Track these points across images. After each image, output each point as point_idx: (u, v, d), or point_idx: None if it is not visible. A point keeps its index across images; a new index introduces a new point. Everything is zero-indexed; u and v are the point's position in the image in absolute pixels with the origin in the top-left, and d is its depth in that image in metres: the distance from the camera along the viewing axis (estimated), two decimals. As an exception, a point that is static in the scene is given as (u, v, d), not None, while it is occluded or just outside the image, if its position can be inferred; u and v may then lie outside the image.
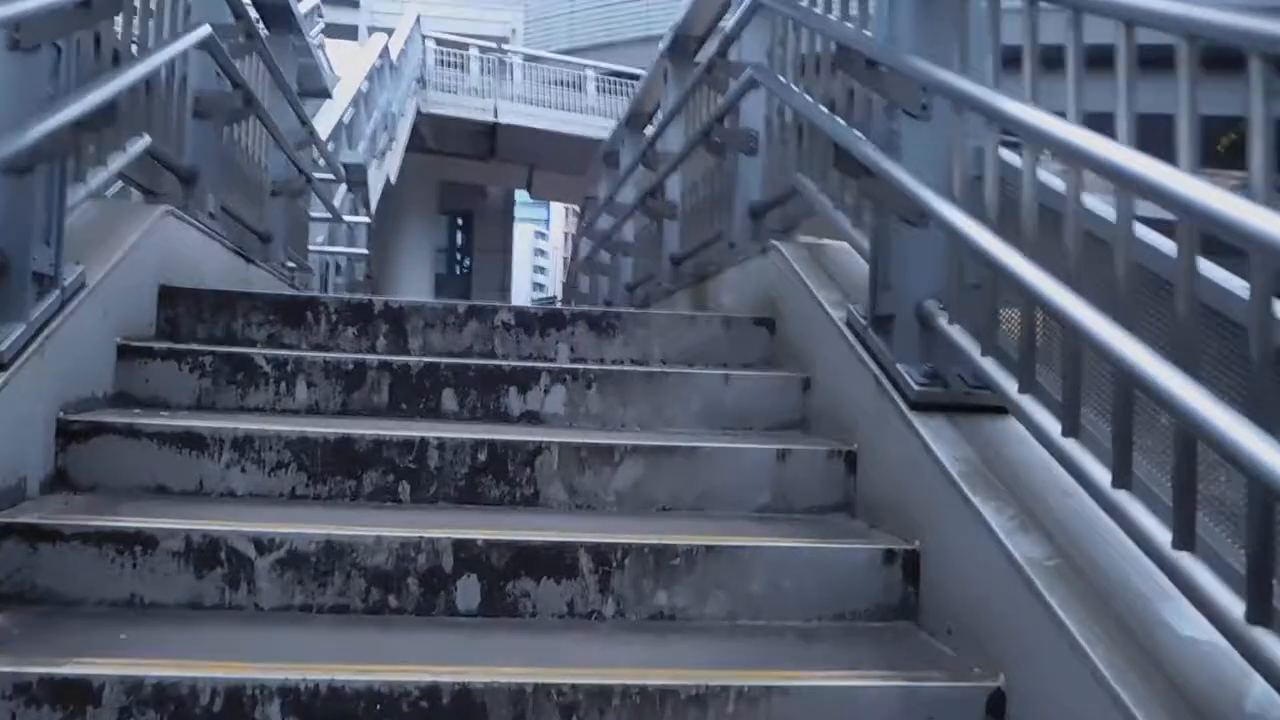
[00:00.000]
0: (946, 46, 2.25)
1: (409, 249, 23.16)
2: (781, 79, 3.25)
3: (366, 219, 7.94)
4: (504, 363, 2.74)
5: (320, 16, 19.69)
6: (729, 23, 3.69)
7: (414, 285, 23.26)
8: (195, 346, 2.66)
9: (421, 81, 19.57)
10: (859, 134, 2.45)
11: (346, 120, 9.58)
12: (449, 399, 2.69)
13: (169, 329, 2.92)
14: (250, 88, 3.80)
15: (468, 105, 20.75)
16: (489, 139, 21.77)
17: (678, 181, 4.90)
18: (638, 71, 23.09)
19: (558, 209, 51.27)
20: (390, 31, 19.03)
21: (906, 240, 2.34)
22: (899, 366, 2.27)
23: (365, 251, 7.92)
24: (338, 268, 7.97)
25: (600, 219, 7.43)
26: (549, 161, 23.18)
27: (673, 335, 3.15)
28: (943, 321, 2.22)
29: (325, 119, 8.79)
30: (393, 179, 13.47)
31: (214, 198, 3.55)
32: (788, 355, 3.05)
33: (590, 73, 22.47)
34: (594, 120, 21.80)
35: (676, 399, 2.79)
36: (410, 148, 18.03)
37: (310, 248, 7.29)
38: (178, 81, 3.30)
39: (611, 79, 22.67)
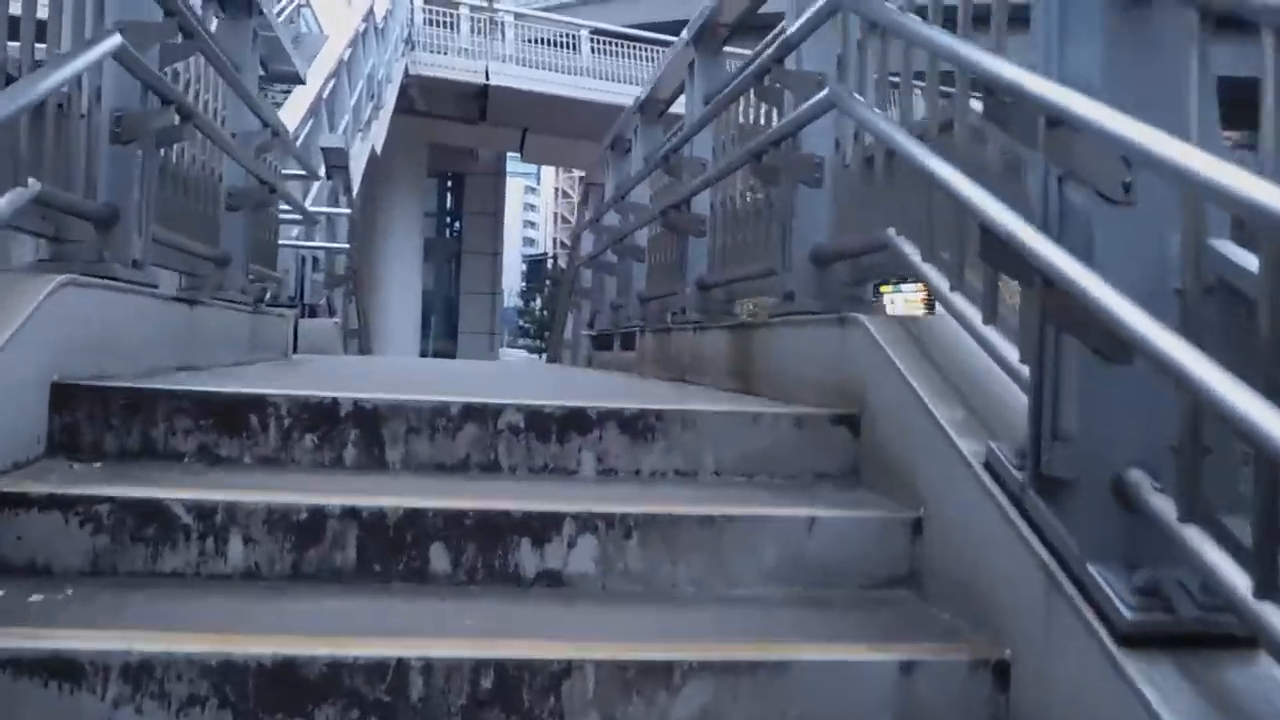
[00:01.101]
0: (1157, 99, 1.53)
1: (397, 215, 22.32)
2: (881, 118, 2.49)
3: (347, 210, 7.18)
4: (512, 506, 2.02)
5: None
6: (791, 25, 2.93)
7: (402, 253, 22.47)
8: (87, 491, 1.93)
9: (410, 42, 18.61)
10: (1020, 218, 1.72)
11: (327, 94, 8.76)
12: (439, 557, 1.99)
13: (65, 443, 2.20)
14: (187, 100, 3.03)
15: (458, 67, 19.80)
16: (480, 101, 20.85)
17: (707, 194, 4.17)
18: (633, 31, 22.22)
19: (549, 165, 50.16)
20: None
21: (1098, 376, 1.63)
22: (1092, 570, 1.56)
23: (345, 245, 7.17)
24: (315, 262, 7.21)
25: (608, 214, 6.68)
26: (542, 124, 22.31)
27: (728, 438, 2.45)
28: (1161, 506, 1.51)
29: (302, 96, 8.00)
30: (378, 150, 12.64)
31: (141, 239, 2.80)
32: (878, 468, 2.36)
33: (585, 32, 21.50)
34: (588, 82, 20.97)
35: (743, 549, 2.08)
36: (398, 110, 17.14)
37: (282, 242, 6.55)
38: (87, 101, 2.54)
39: (606, 39, 21.72)
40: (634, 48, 21.89)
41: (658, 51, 21.90)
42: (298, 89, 8.63)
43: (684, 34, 4.52)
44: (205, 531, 1.93)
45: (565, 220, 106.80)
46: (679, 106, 5.30)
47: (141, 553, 1.92)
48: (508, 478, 2.34)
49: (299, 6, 18.66)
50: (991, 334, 2.05)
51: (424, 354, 24.63)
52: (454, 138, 22.70)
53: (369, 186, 19.31)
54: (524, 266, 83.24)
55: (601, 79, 21.14)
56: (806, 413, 2.51)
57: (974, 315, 2.11)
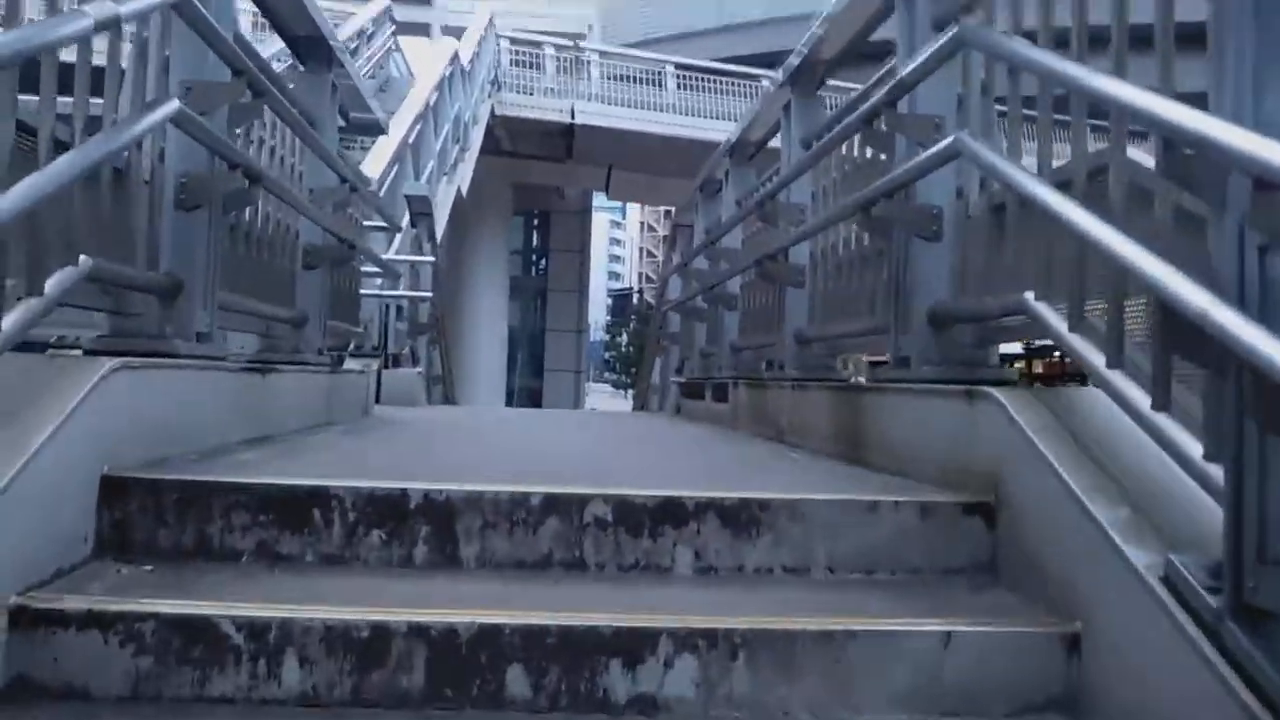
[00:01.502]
0: None
1: (483, 252, 22.49)
2: (1014, 166, 2.19)
3: (430, 258, 7.07)
4: (601, 620, 1.77)
5: (391, 21, 19.08)
6: (905, 67, 2.65)
7: (488, 291, 22.60)
8: (130, 607, 1.73)
9: (495, 83, 18.76)
10: (1211, 294, 1.41)
11: (412, 139, 8.73)
12: (517, 681, 1.74)
13: (115, 542, 2.02)
14: (255, 163, 2.88)
15: (543, 106, 19.90)
16: (566, 139, 20.90)
17: (806, 242, 3.90)
18: (719, 66, 22.10)
19: (633, 198, 50.30)
20: (461, 31, 18.31)
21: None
22: (1327, 740, 1.24)
23: (428, 294, 7.06)
24: (399, 310, 7.11)
25: (697, 259, 6.43)
26: (628, 161, 22.28)
27: (843, 530, 2.16)
28: None
29: (387, 143, 7.97)
30: (464, 192, 12.66)
31: (207, 310, 2.64)
32: (1020, 567, 2.05)
33: (670, 68, 21.44)
34: (675, 119, 20.87)
35: (869, 669, 1.79)
36: (485, 150, 17.24)
37: (365, 292, 6.46)
38: (150, 165, 2.40)
39: (693, 74, 21.63)
40: (721, 82, 21.75)
41: (745, 85, 21.77)
42: (382, 136, 8.63)
43: (779, 73, 4.28)
44: (258, 652, 1.72)
45: (651, 255, 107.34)
46: (775, 140, 5.05)
47: (189, 675, 1.71)
48: (594, 578, 2.09)
49: (389, 51, 19.05)
50: (1164, 421, 1.73)
51: (510, 391, 24.69)
52: (540, 176, 22.81)
53: (455, 226, 19.48)
54: (609, 301, 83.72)
55: (688, 115, 21.02)
56: (932, 500, 2.20)
57: (1139, 398, 1.79)
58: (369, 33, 17.09)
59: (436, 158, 10.30)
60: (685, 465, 3.06)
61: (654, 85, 21.31)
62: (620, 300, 73.08)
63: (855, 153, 3.37)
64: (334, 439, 3.52)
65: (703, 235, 6.54)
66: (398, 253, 7.20)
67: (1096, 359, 1.94)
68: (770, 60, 30.53)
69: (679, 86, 21.41)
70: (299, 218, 3.78)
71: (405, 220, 7.42)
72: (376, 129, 5.04)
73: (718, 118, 21.28)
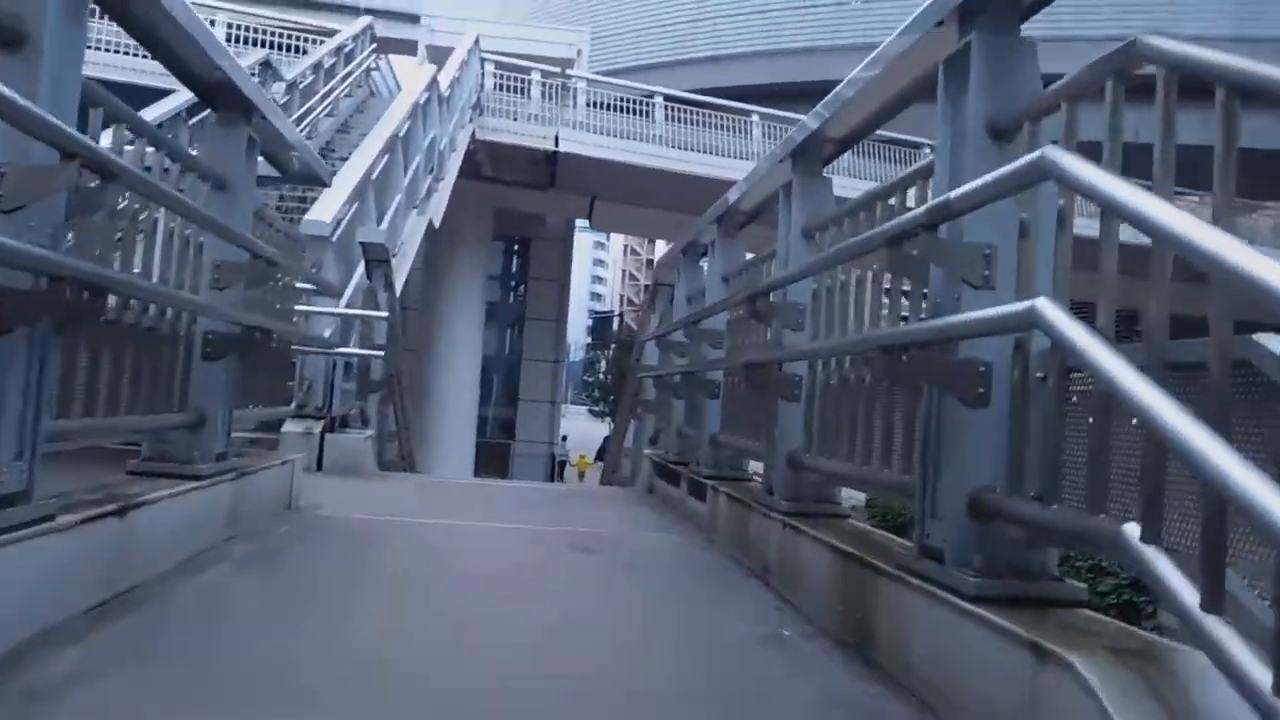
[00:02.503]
0: None
1: (460, 279, 21.82)
2: (1104, 347, 1.56)
3: (384, 313, 6.42)
4: None
5: (373, 40, 18.47)
6: (954, 188, 2.03)
7: (463, 317, 21.94)
8: None
9: (478, 107, 18.14)
10: None
11: (377, 173, 8.09)
12: None
13: None
14: (92, 269, 2.23)
15: (527, 133, 19.28)
16: (549, 167, 20.30)
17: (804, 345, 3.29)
18: (707, 100, 21.59)
19: (618, 228, 49.89)
20: (448, 52, 17.70)
21: None
22: None
23: (378, 353, 6.40)
24: (348, 367, 6.45)
25: (675, 332, 5.81)
26: (612, 192, 21.73)
27: None
28: None
29: (348, 177, 7.33)
30: (436, 223, 12.00)
31: (24, 453, 1.99)
32: None
33: (659, 99, 20.89)
34: (661, 151, 20.32)
35: None
36: (464, 174, 16.60)
37: (307, 348, 5.81)
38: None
39: (680, 106, 21.12)
40: (710, 115, 21.23)
41: (735, 120, 21.26)
42: (348, 163, 7.99)
43: (779, 149, 3.67)
44: None
45: (633, 277, 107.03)
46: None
47: None
48: None
49: (368, 71, 18.42)
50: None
51: (482, 421, 23.95)
52: (521, 203, 22.17)
53: (429, 249, 18.79)
54: (590, 322, 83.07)
55: (676, 147, 20.46)
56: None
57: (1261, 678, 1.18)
58: (348, 50, 16.51)
59: (404, 191, 9.64)
60: (657, 674, 2.39)
61: (642, 116, 20.74)
62: (601, 323, 72.51)
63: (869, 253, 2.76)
64: (218, 580, 2.85)
65: (684, 303, 5.93)
66: (349, 305, 6.55)
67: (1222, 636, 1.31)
68: (763, 93, 30.18)
69: (667, 118, 20.85)
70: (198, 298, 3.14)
71: (359, 270, 6.77)
72: (316, 180, 4.39)
73: (706, 151, 20.77)
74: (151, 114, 7.28)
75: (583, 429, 43.36)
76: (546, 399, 25.76)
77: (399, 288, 9.85)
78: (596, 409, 42.49)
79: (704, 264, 5.69)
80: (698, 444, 5.12)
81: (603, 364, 44.26)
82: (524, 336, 25.94)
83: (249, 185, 3.46)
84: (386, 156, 8.90)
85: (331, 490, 5.25)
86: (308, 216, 6.32)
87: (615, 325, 64.55)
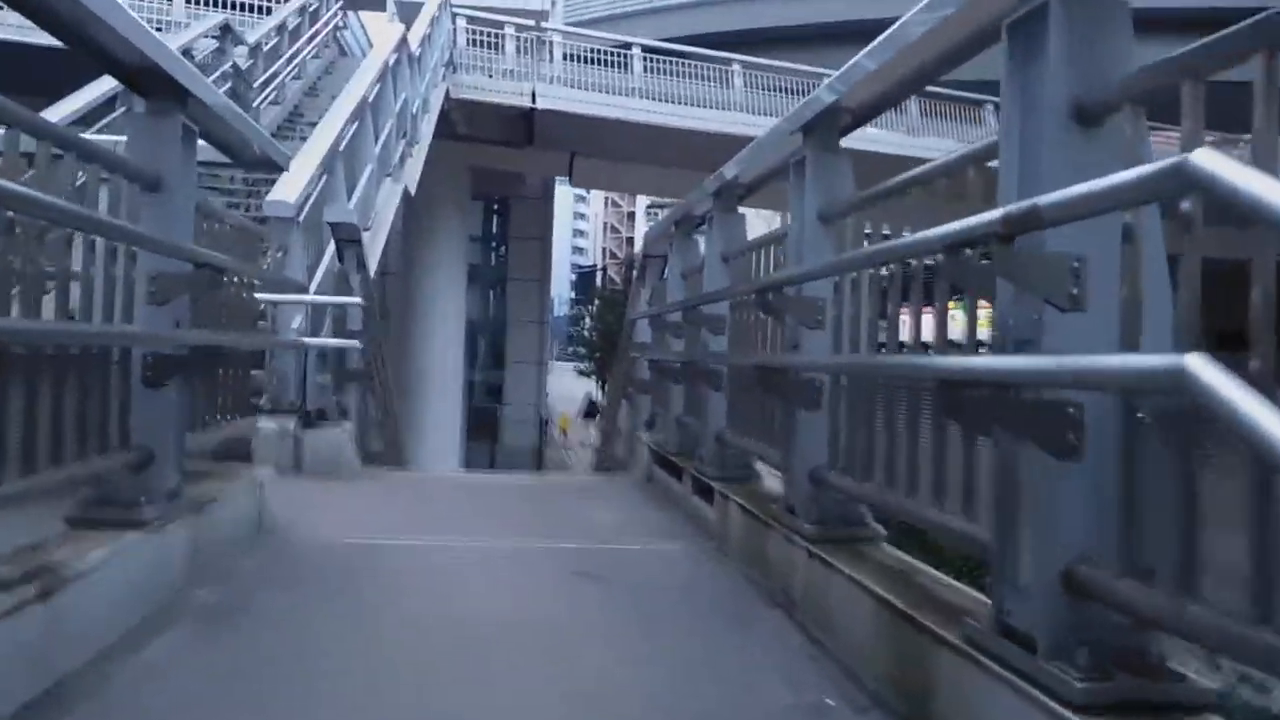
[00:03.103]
0: None
1: (439, 241, 21.27)
2: None
3: (359, 299, 5.98)
4: None
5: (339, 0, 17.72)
6: (1045, 195, 1.62)
7: (444, 282, 21.43)
8: None
9: (451, 65, 17.50)
10: None
11: (344, 144, 7.60)
12: None
13: None
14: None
15: (502, 90, 18.63)
16: (526, 124, 19.68)
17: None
18: (687, 49, 20.93)
19: (599, 181, 49.17)
20: (417, 7, 17.03)
21: None
22: None
23: (355, 343, 5.97)
24: (322, 357, 6.03)
25: (669, 312, 5.40)
26: (592, 147, 21.15)
27: None
28: None
29: (314, 149, 6.85)
30: (413, 190, 11.49)
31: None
32: None
33: (637, 50, 20.24)
34: (641, 104, 19.74)
35: None
36: (439, 135, 16.00)
37: (274, 339, 5.42)
38: None
39: (659, 57, 20.49)
40: (690, 65, 20.61)
41: (716, 69, 20.65)
42: (314, 135, 7.51)
43: (788, 121, 3.23)
44: None
45: (615, 230, 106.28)
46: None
47: None
48: None
49: (336, 30, 17.71)
50: None
51: (470, 386, 23.54)
52: (499, 162, 21.55)
53: (407, 212, 18.20)
54: (573, 277, 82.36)
55: (656, 100, 19.86)
56: None
57: None
58: (313, 8, 15.83)
59: (376, 160, 9.13)
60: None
61: (620, 69, 20.09)
62: (585, 278, 71.84)
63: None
64: (169, 656, 2.46)
65: (679, 279, 5.51)
66: (318, 290, 6.12)
67: None
68: (743, 38, 29.43)
69: (646, 70, 20.22)
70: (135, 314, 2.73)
71: (329, 251, 6.33)
72: (272, 167, 3.95)
73: (687, 103, 20.19)
74: (73, 104, 6.74)
75: (569, 386, 42.98)
76: (533, 360, 25.35)
77: (375, 259, 9.40)
78: (582, 367, 42.10)
79: (699, 237, 5.28)
80: (700, 437, 4.74)
81: (587, 320, 43.80)
82: (508, 298, 25.45)
83: (188, 181, 3.02)
84: (355, 124, 8.39)
85: (308, 500, 4.87)
86: (269, 196, 5.85)
87: (599, 280, 63.99)
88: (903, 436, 2.44)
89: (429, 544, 4.05)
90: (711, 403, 4.48)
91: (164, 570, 2.83)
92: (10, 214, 2.06)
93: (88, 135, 5.80)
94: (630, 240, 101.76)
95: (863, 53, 2.58)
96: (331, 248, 6.31)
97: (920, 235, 2.12)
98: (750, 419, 4.01)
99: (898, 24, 2.39)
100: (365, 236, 8.79)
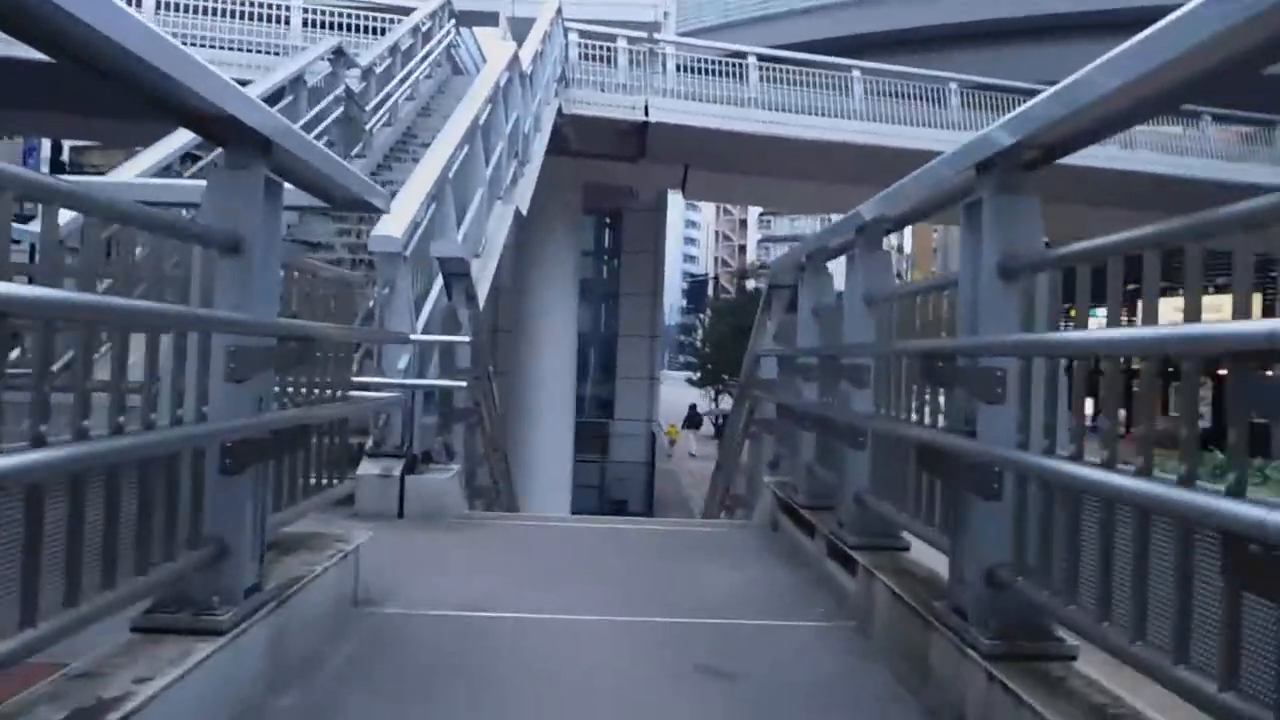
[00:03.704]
0: None
1: (550, 256, 21.14)
2: None
3: (466, 338, 5.67)
4: None
5: (451, 16, 17.76)
6: None
7: (556, 297, 21.30)
8: None
9: (563, 80, 17.31)
10: None
11: (454, 170, 7.35)
12: None
13: None
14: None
15: (615, 103, 18.37)
16: (639, 137, 19.37)
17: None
18: (803, 56, 20.32)
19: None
20: (529, 22, 16.90)
21: None
22: None
23: (460, 384, 5.66)
24: (428, 397, 5.74)
25: (801, 356, 4.91)
26: (706, 159, 20.75)
27: None
28: None
29: (425, 174, 6.60)
30: (524, 210, 11.26)
31: None
32: None
33: (753, 59, 19.74)
34: (757, 114, 19.24)
35: None
36: (551, 150, 15.83)
37: (381, 379, 5.17)
38: None
39: (775, 65, 19.94)
40: (808, 74, 20.00)
41: (834, 76, 19.98)
42: (422, 162, 7.27)
43: (957, 156, 2.73)
44: None
45: (726, 238, 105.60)
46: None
47: None
48: None
49: (449, 49, 17.70)
50: None
51: (580, 400, 23.34)
52: (611, 176, 21.31)
53: (519, 228, 18.06)
54: (685, 285, 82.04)
55: (772, 109, 19.33)
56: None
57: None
58: (426, 28, 15.84)
59: (487, 184, 8.89)
60: None
61: (735, 78, 19.61)
62: (697, 287, 71.39)
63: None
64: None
65: (809, 316, 5.02)
66: (425, 327, 5.84)
67: None
68: (857, 44, 28.62)
69: (761, 79, 19.70)
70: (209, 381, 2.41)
71: (437, 285, 6.05)
72: (370, 209, 3.63)
73: (805, 112, 19.60)
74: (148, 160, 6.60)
75: (679, 396, 42.50)
76: (644, 375, 25.01)
77: (486, 285, 9.16)
78: (693, 377, 41.65)
79: (829, 275, 4.80)
80: (837, 492, 4.26)
81: (699, 331, 43.37)
82: (619, 311, 25.18)
83: (272, 240, 2.69)
84: (466, 148, 8.15)
85: (408, 557, 4.56)
86: (375, 231, 5.59)
87: (710, 288, 63.54)
88: (1136, 557, 1.93)
89: (533, 621, 3.67)
90: (851, 460, 3.99)
91: (239, 683, 2.50)
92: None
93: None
94: (742, 248, 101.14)
95: (1093, 66, 2.05)
96: (440, 281, 6.03)
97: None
98: (900, 484, 3.51)
99: (1169, 20, 1.79)
100: (475, 264, 8.56)
